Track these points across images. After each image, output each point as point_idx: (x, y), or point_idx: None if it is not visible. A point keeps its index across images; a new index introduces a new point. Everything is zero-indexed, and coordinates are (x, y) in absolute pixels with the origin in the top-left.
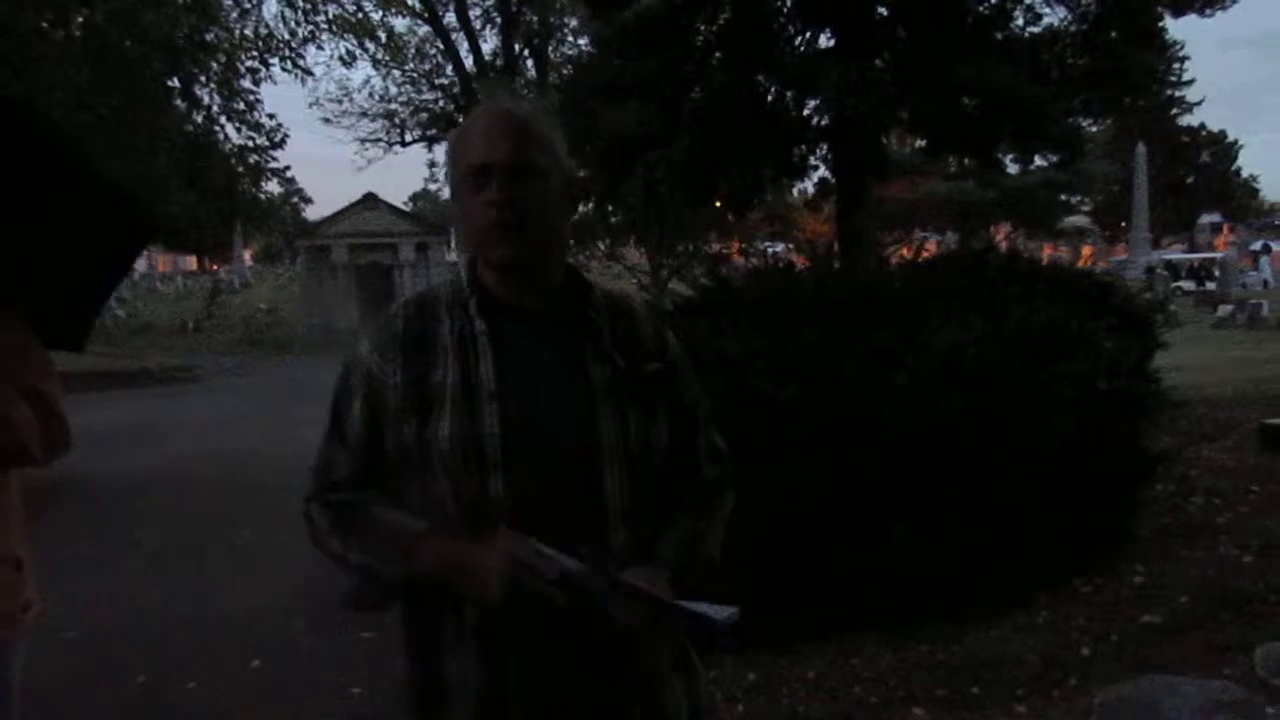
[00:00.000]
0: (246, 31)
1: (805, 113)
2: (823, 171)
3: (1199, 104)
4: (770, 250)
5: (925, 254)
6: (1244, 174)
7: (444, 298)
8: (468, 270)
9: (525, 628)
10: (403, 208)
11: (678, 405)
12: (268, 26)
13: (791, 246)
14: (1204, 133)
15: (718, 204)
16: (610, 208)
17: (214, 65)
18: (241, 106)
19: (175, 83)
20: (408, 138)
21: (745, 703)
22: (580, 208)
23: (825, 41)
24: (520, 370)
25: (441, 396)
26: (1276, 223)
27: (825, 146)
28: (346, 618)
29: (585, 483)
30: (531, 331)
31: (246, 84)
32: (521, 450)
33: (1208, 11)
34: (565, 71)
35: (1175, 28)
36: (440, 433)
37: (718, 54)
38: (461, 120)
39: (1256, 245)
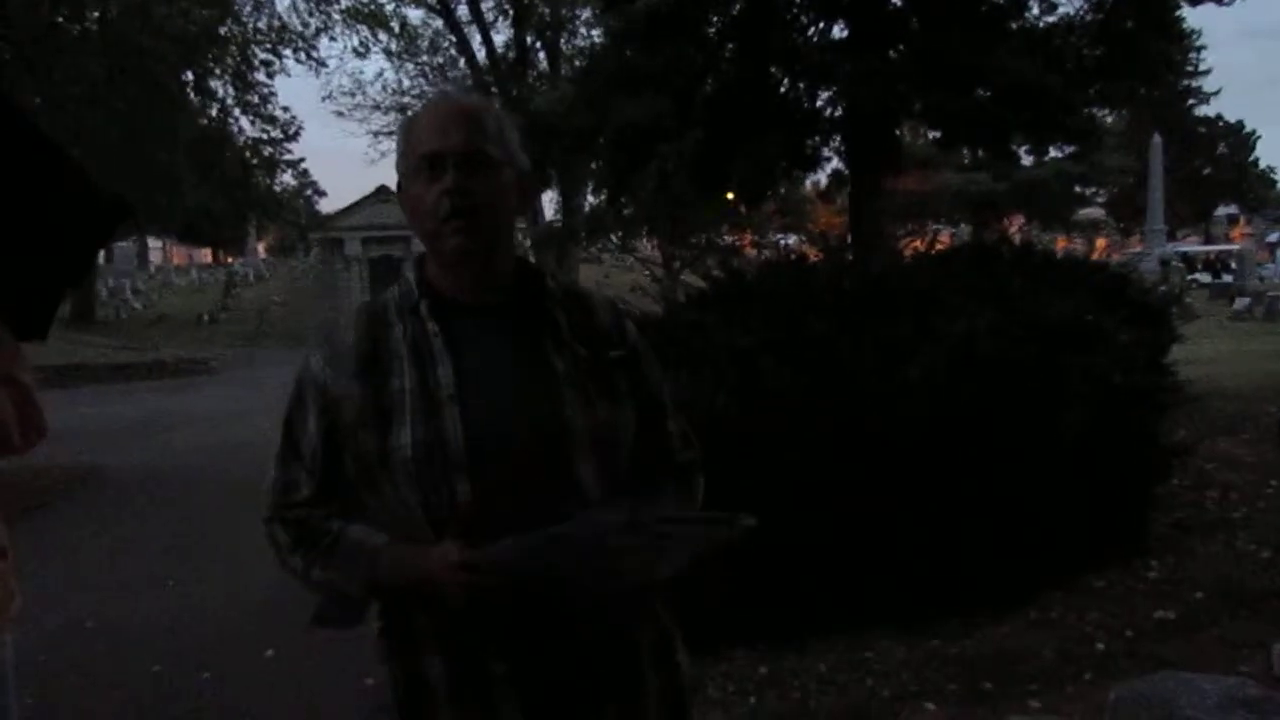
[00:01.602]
0: (260, 24)
1: (818, 104)
2: (836, 163)
3: (1215, 94)
4: (782, 242)
5: (938, 246)
6: (1261, 165)
7: (393, 303)
8: (416, 271)
9: (499, 625)
10: None
11: (643, 392)
12: (280, 19)
13: (804, 239)
14: (1220, 123)
15: (730, 196)
16: (623, 200)
17: (228, 58)
18: (255, 99)
19: (189, 76)
20: None
21: (756, 696)
22: (591, 201)
23: (838, 33)
24: (479, 369)
25: (401, 405)
26: None
27: (838, 138)
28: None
29: (559, 475)
30: (486, 328)
31: (260, 77)
32: (489, 450)
33: (1226, 0)
34: (578, 64)
35: (1194, 17)
36: (402, 441)
37: (730, 45)
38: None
39: (1273, 237)
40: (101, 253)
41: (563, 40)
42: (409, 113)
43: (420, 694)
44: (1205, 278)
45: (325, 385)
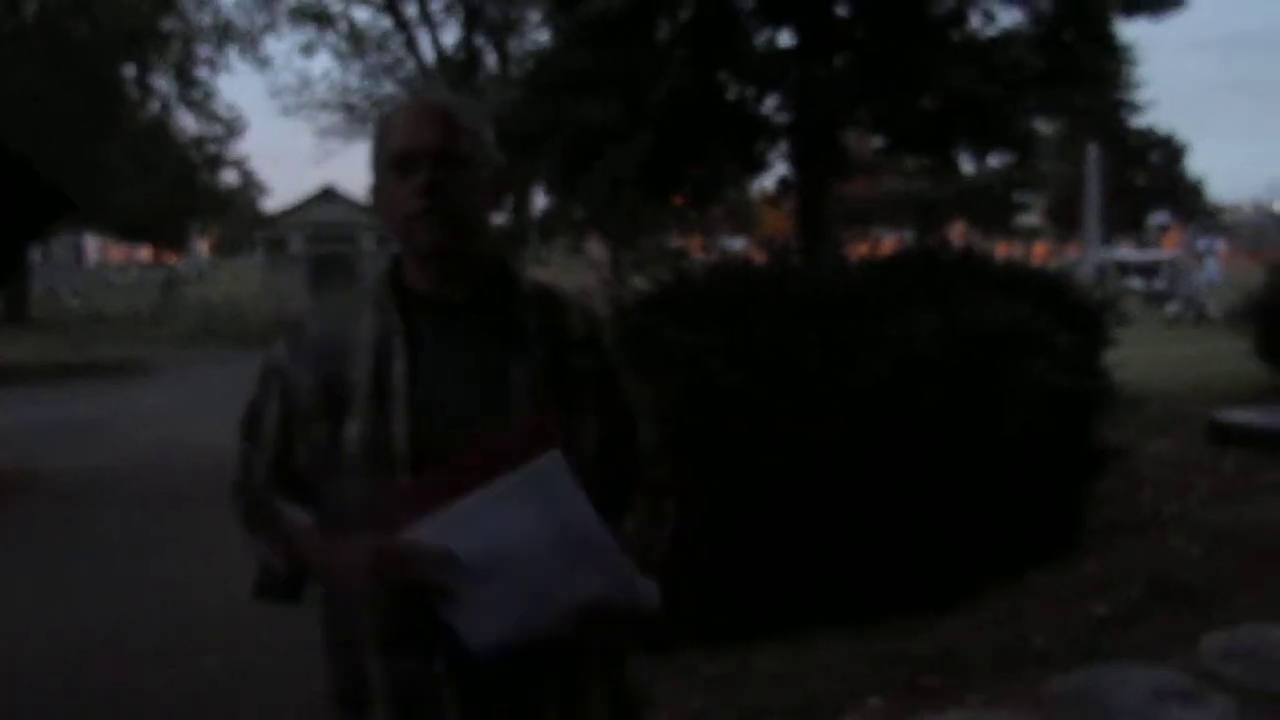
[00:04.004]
0: (204, 20)
1: (766, 110)
2: (783, 169)
3: (1150, 107)
4: (730, 246)
5: (882, 250)
6: (1192, 175)
7: (365, 295)
8: (390, 266)
9: (438, 625)
10: (362, 201)
11: (613, 405)
12: (226, 17)
13: (753, 242)
14: (1153, 135)
15: (680, 199)
16: (573, 202)
17: (169, 54)
18: (198, 96)
19: (130, 71)
20: (369, 130)
21: (705, 695)
22: (541, 205)
23: (786, 40)
24: (436, 369)
25: (353, 397)
26: (1223, 223)
27: (785, 143)
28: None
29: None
30: (452, 327)
31: (204, 74)
32: (432, 451)
33: (1159, 15)
34: (528, 65)
35: (1137, 31)
36: (350, 434)
37: (680, 50)
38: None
39: (1202, 245)
40: (37, 250)
41: (512, 42)
42: (382, 110)
43: (360, 692)
44: (1139, 284)
45: (286, 372)
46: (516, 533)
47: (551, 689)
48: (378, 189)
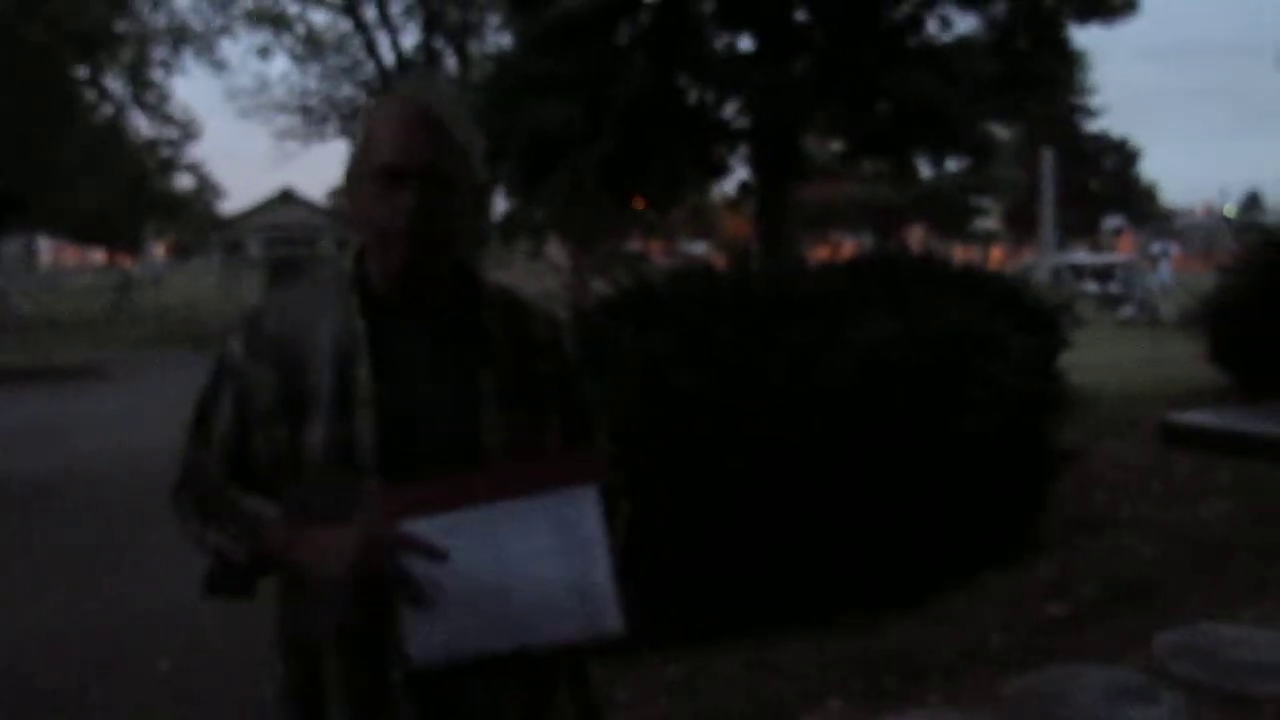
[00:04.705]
0: (159, 22)
1: (726, 114)
2: (744, 173)
3: (1103, 112)
4: (691, 250)
5: (842, 254)
6: (1145, 179)
7: (325, 294)
8: (352, 265)
9: (395, 630)
10: (322, 203)
11: (572, 409)
12: (181, 18)
13: (714, 245)
14: (1107, 140)
15: (641, 202)
16: (534, 205)
17: (123, 56)
18: (153, 99)
19: (84, 73)
20: (328, 132)
21: (665, 698)
22: (502, 207)
23: (746, 45)
24: (400, 373)
25: (315, 400)
26: (1176, 227)
27: (746, 147)
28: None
29: None
30: (416, 332)
31: (159, 76)
32: (400, 458)
33: (1112, 22)
34: (488, 69)
35: (1090, 37)
36: (313, 439)
37: (640, 54)
38: (377, 105)
39: (1155, 248)
40: None
41: (472, 45)
42: (370, 104)
43: (315, 693)
44: (1093, 287)
45: (242, 371)
46: (523, 552)
47: (516, 700)
48: (353, 191)
